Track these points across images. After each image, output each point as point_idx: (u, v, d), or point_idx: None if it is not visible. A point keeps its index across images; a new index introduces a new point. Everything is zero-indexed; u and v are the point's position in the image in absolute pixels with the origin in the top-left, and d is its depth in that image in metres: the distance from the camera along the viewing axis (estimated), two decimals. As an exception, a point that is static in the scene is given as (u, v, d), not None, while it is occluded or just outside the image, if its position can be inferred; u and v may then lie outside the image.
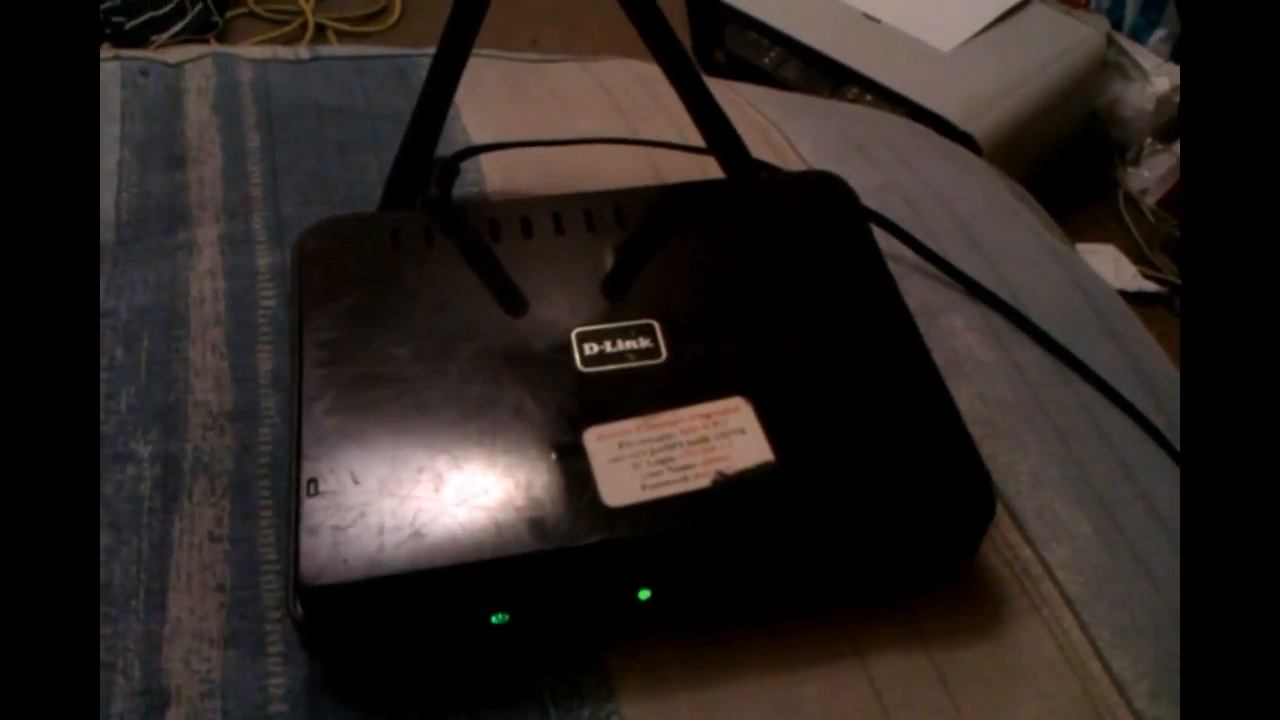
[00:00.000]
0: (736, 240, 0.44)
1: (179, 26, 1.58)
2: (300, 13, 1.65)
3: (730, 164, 0.49)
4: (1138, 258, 1.33)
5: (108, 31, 1.53)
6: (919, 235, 0.50)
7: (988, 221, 0.55)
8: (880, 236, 0.46)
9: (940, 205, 0.54)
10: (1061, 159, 1.37)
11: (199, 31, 1.60)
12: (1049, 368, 0.47)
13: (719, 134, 0.48)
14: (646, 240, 0.43)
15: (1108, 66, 1.37)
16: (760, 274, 0.42)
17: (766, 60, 1.34)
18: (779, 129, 0.58)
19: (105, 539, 0.38)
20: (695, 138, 0.49)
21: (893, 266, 0.43)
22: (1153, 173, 1.40)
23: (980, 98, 1.21)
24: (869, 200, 0.47)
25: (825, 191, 0.46)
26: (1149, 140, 1.40)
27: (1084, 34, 1.31)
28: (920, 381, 0.39)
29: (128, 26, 1.55)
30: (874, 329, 0.41)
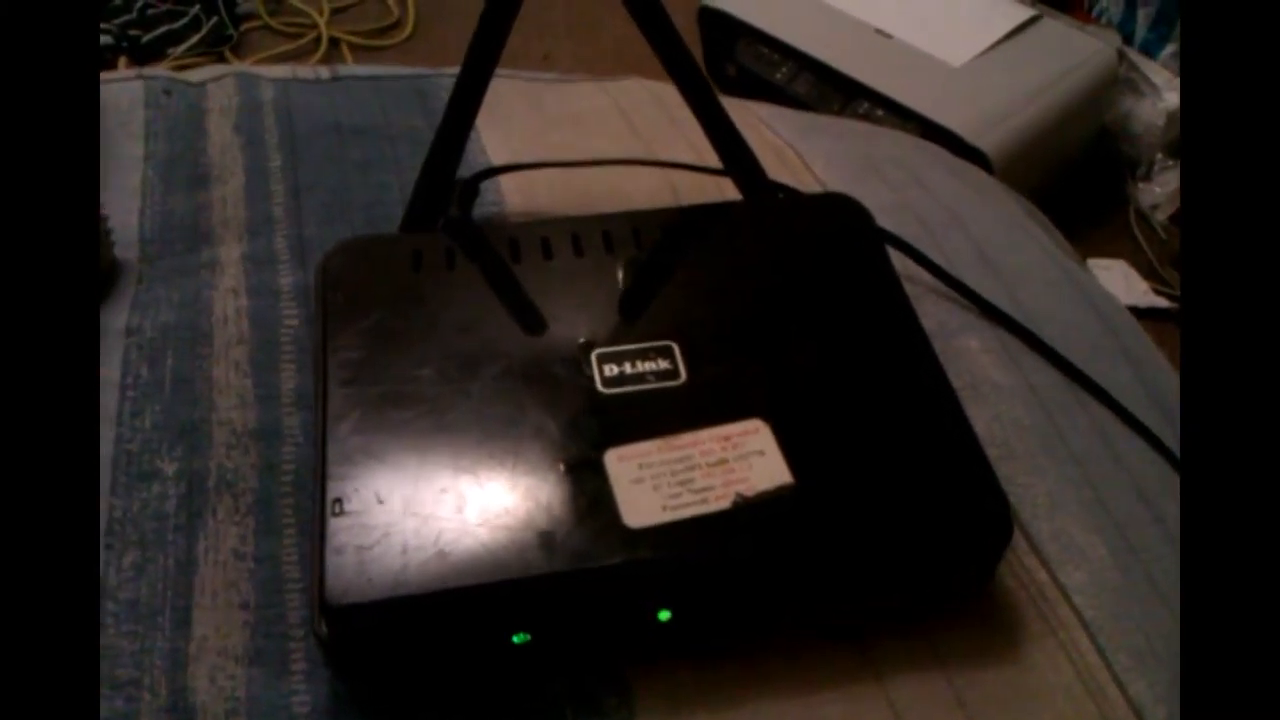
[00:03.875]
0: (754, 262, 0.44)
1: (194, 39, 1.59)
2: (314, 26, 1.67)
3: (747, 185, 0.49)
4: (1149, 273, 1.33)
5: (124, 45, 1.55)
6: (933, 256, 0.51)
7: (1001, 241, 0.55)
8: (895, 257, 0.46)
9: (954, 225, 0.55)
10: (1072, 174, 1.37)
11: (214, 45, 1.61)
12: (1064, 389, 0.47)
13: (735, 155, 0.49)
14: (665, 262, 0.44)
15: (1118, 82, 1.38)
16: (778, 295, 0.43)
17: (778, 75, 1.35)
18: (793, 148, 0.59)
19: (131, 556, 0.38)
20: (712, 158, 0.50)
21: (907, 287, 0.44)
22: (1164, 188, 1.40)
23: (991, 113, 1.21)
24: (883, 220, 0.48)
25: (841, 213, 0.47)
26: (1160, 156, 1.40)
27: (1095, 49, 1.31)
28: (937, 404, 0.39)
29: (144, 40, 1.57)
30: (891, 351, 0.41)
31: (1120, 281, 1.29)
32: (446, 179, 0.46)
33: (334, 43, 1.66)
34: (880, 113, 1.25)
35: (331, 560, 0.34)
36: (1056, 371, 0.48)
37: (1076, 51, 1.31)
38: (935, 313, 0.49)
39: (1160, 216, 1.39)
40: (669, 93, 0.61)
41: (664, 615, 0.36)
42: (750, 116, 0.61)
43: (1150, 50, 1.45)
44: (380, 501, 0.35)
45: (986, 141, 1.17)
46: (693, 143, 0.57)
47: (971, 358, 0.47)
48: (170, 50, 1.58)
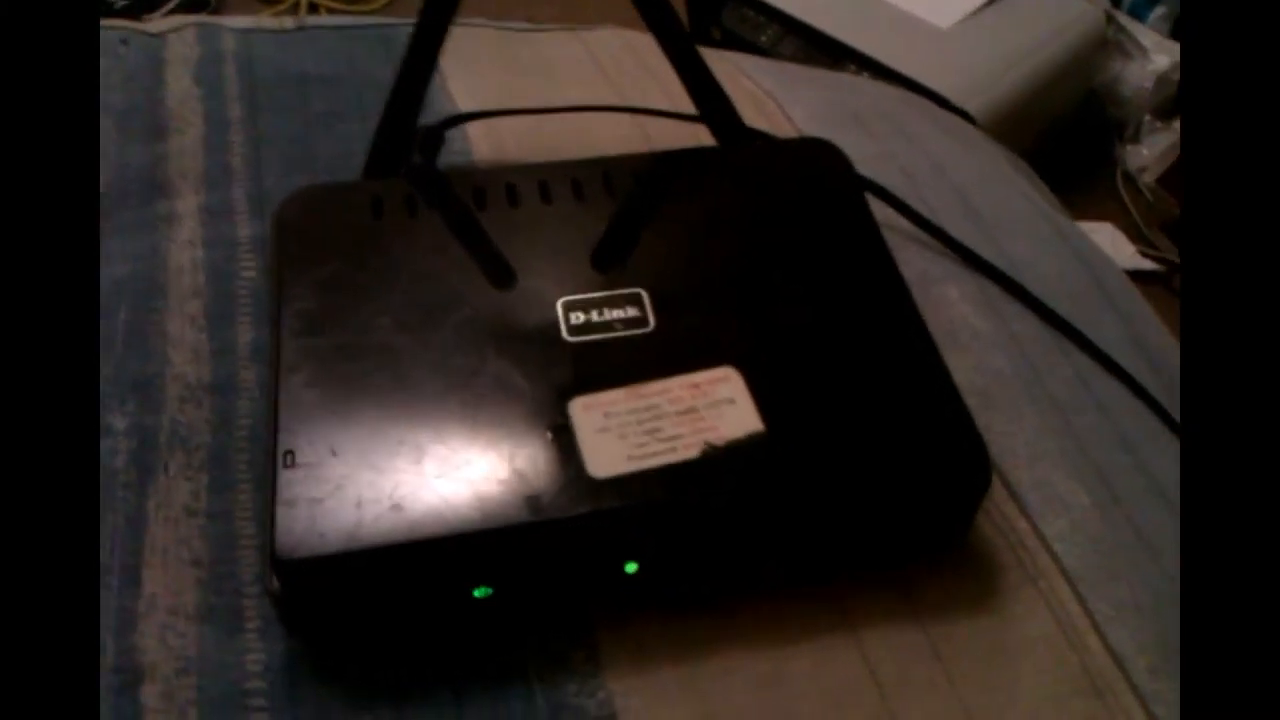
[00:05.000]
0: (728, 208, 0.43)
1: (171, 4, 1.56)
2: (293, -10, 1.64)
3: (722, 132, 0.47)
4: (1136, 236, 1.32)
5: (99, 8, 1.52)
6: (916, 206, 0.49)
7: (986, 192, 0.54)
8: (876, 206, 0.45)
9: (938, 175, 0.53)
10: (1060, 137, 1.36)
11: (193, 9, 1.58)
12: (1046, 339, 0.46)
13: (711, 101, 0.47)
14: (635, 209, 0.42)
15: (1107, 44, 1.36)
16: (752, 242, 0.41)
17: (763, 38, 1.33)
18: (773, 98, 0.57)
19: (79, 513, 0.37)
20: (687, 108, 0.48)
21: (888, 236, 0.42)
22: (1151, 151, 1.39)
23: (979, 75, 1.20)
24: (864, 170, 0.46)
25: (819, 159, 0.45)
26: (1148, 118, 1.39)
27: (1083, 11, 1.30)
28: (915, 351, 0.38)
29: (119, 4, 1.54)
30: (868, 298, 0.40)
31: (1107, 244, 1.28)
32: (408, 124, 0.45)
33: (312, 9, 1.63)
34: (866, 75, 1.23)
35: (283, 513, 0.32)
36: (1039, 320, 0.46)
37: (1065, 14, 1.29)
38: (916, 261, 0.48)
39: (1148, 179, 1.38)
40: (644, 41, 0.60)
41: (631, 567, 0.34)
42: (729, 66, 0.60)
43: (1139, 13, 1.43)
44: (334, 454, 0.34)
45: (974, 104, 1.15)
46: (669, 92, 0.55)
47: (952, 306, 0.46)
48: (146, 16, 1.55)
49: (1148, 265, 1.28)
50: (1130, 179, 1.39)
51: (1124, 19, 1.40)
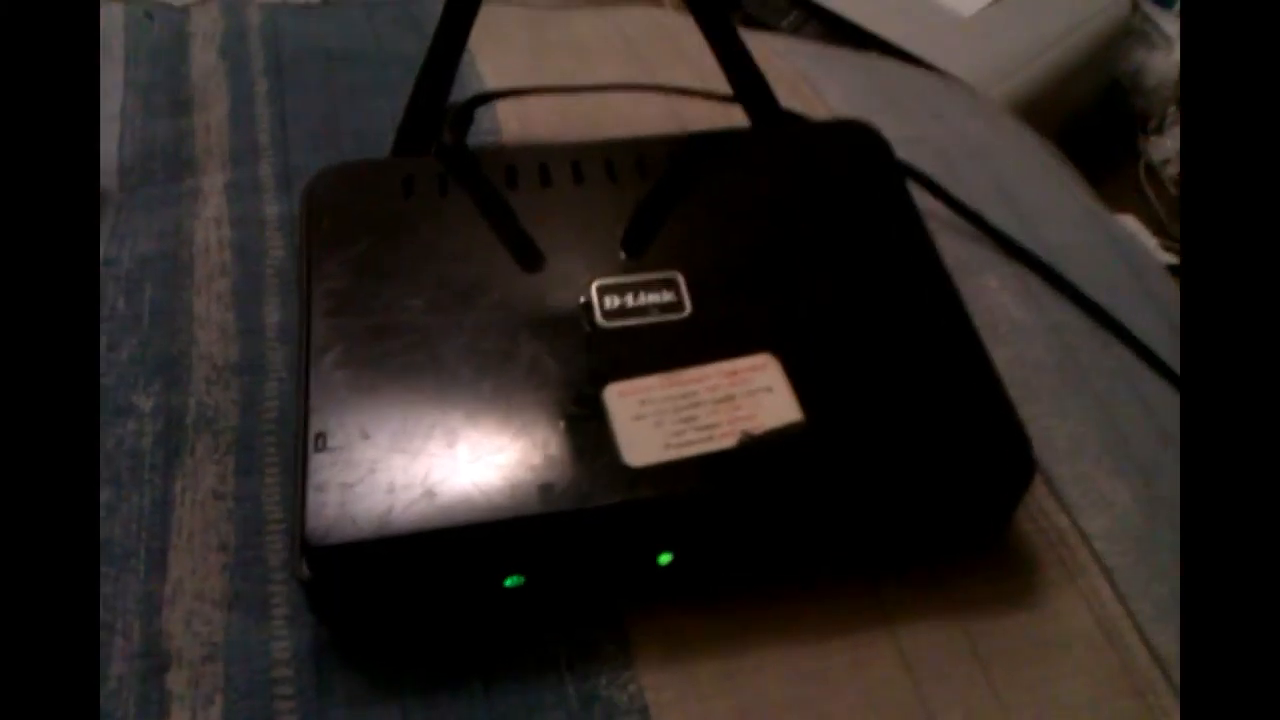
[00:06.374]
0: (764, 191, 0.42)
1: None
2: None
3: (757, 112, 0.46)
4: (1158, 229, 1.30)
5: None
6: (952, 191, 0.48)
7: (1023, 179, 0.53)
8: (912, 191, 0.44)
9: (974, 161, 0.52)
10: (1082, 128, 1.34)
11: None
12: (1087, 330, 0.45)
13: (746, 81, 0.46)
14: (670, 190, 0.42)
15: (1131, 34, 1.34)
16: (789, 226, 0.40)
17: (784, 23, 1.31)
18: (806, 79, 0.56)
19: (104, 495, 0.36)
20: (719, 88, 0.47)
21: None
22: (1175, 142, 1.37)
23: (1000, 64, 1.18)
24: (899, 153, 0.45)
25: (857, 141, 0.44)
26: (1172, 109, 1.37)
27: (1107, 0, 1.28)
28: (957, 340, 0.37)
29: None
30: (908, 285, 0.39)
31: (1131, 236, 1.27)
32: (438, 102, 0.44)
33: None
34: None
35: (313, 498, 0.32)
36: (1079, 311, 0.45)
37: (1088, 2, 1.27)
38: (953, 249, 0.47)
39: (1171, 171, 1.36)
40: (675, 21, 0.59)
41: (665, 558, 0.34)
42: (759, 45, 0.58)
43: (1164, 1, 1.42)
44: (366, 437, 0.33)
45: (996, 93, 1.14)
46: (700, 72, 0.54)
47: (991, 296, 0.45)
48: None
49: (1170, 258, 1.26)
50: (1153, 171, 1.37)
51: (1149, 8, 1.38)
